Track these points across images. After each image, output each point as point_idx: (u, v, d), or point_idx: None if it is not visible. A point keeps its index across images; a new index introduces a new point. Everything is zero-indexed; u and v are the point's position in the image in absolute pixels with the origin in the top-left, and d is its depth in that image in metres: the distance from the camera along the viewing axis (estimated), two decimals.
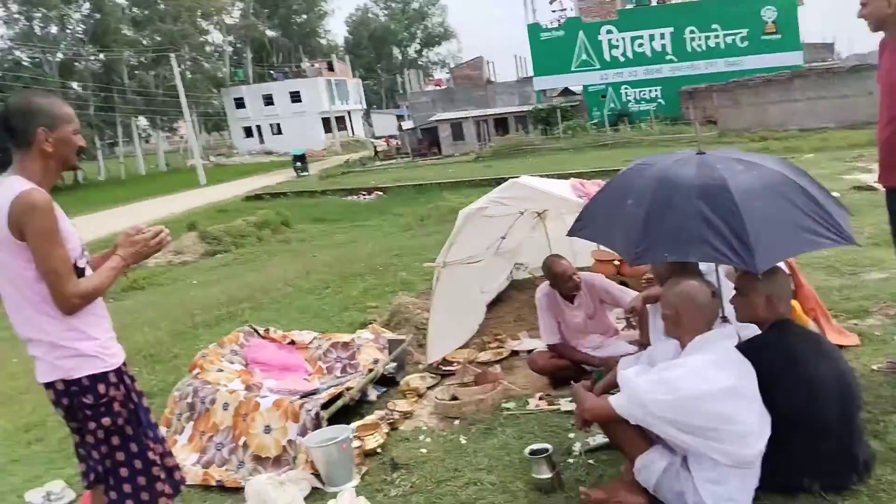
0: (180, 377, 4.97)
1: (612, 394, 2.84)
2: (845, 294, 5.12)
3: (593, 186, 4.83)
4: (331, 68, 61.88)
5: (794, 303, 3.82)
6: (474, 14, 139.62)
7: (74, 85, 50.69)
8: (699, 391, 2.50)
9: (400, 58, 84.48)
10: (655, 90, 38.28)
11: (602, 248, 5.97)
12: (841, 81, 27.07)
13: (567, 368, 4.40)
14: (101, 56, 51.00)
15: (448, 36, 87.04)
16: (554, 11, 41.72)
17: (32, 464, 4.54)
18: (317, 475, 3.65)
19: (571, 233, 3.20)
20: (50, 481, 3.95)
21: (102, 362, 2.53)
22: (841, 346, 3.69)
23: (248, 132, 60.10)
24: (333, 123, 58.33)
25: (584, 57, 38.48)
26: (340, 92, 61.45)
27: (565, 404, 3.97)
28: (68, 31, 51.25)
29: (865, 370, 3.76)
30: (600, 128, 35.02)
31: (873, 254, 6.00)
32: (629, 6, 39.32)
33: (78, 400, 2.50)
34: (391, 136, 55.03)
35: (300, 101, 57.55)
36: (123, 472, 2.60)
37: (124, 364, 2.66)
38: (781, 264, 2.93)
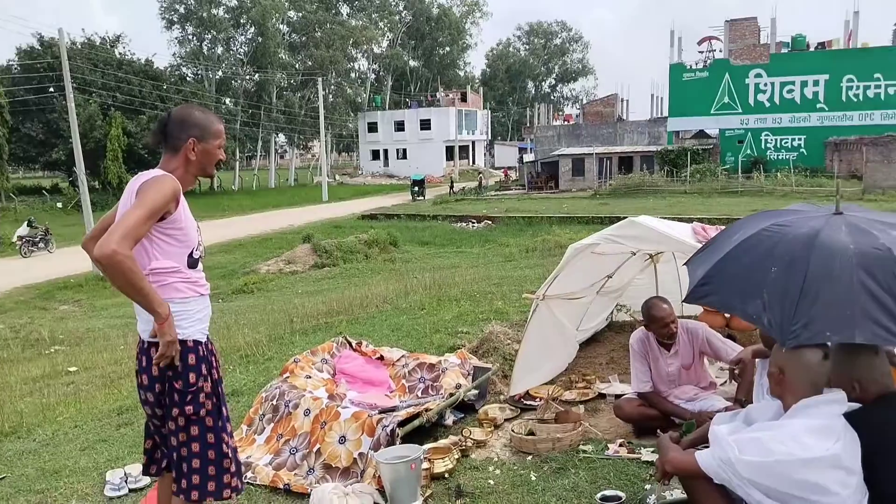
0: (270, 379, 5.13)
1: (700, 449, 2.66)
2: None
3: (716, 232, 4.57)
4: (464, 99, 63.41)
5: None
6: (616, 51, 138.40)
7: (227, 101, 55.13)
8: (793, 457, 2.29)
9: (533, 91, 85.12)
10: (799, 139, 36.39)
11: None
12: None
13: (655, 418, 4.15)
14: (256, 76, 55.14)
15: (586, 72, 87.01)
16: (701, 52, 40.96)
17: (118, 445, 4.80)
18: (381, 491, 3.63)
19: (692, 299, 2.81)
20: (130, 464, 4.16)
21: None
22: None
23: (374, 155, 62.56)
24: (456, 152, 59.54)
25: (726, 100, 37.38)
26: (469, 122, 62.71)
27: (647, 454, 3.74)
28: (231, 52, 55.89)
29: None
30: (732, 174, 33.55)
31: None
32: (784, 51, 37.66)
33: (170, 385, 2.65)
34: (510, 168, 55.35)
35: (429, 128, 59.28)
36: (195, 462, 2.69)
37: (215, 359, 2.80)
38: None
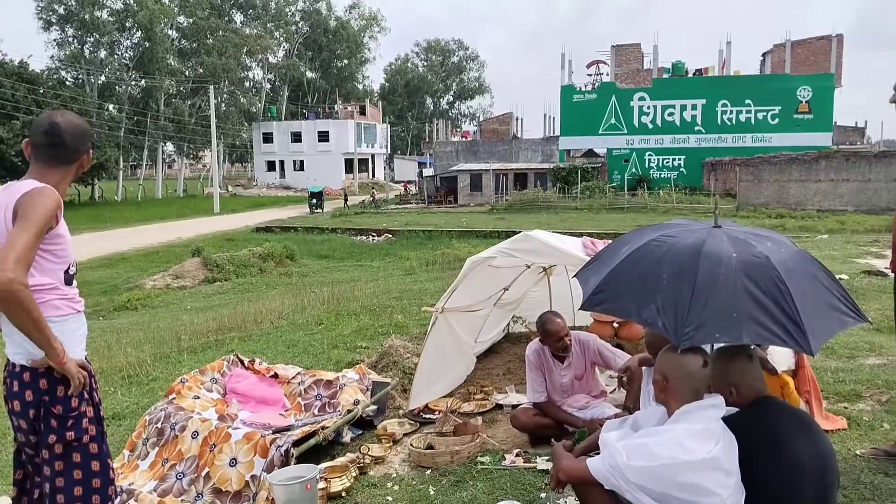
0: (155, 400, 4.85)
1: (592, 456, 2.73)
2: (840, 377, 5.00)
3: (604, 246, 4.75)
4: (363, 112, 63.12)
5: (789, 380, 3.68)
6: (511, 71, 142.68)
7: (111, 107, 52.18)
8: (676, 461, 2.38)
9: (431, 107, 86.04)
10: (679, 159, 38.69)
11: None
12: (867, 166, 27.08)
13: (549, 427, 4.25)
14: (143, 82, 52.49)
15: (482, 90, 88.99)
16: (590, 75, 42.86)
17: None
18: None
19: (588, 306, 2.88)
20: None
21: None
22: (827, 431, 3.55)
23: (270, 166, 61.04)
24: (356, 165, 59.14)
25: (612, 121, 39.13)
26: (368, 135, 62.47)
27: (542, 463, 3.81)
28: (116, 56, 52.98)
29: (849, 454, 3.65)
30: (618, 191, 35.21)
31: (873, 339, 5.86)
32: (665, 76, 40.00)
33: (46, 410, 2.45)
34: (409, 182, 55.68)
35: (327, 140, 58.55)
36: (78, 490, 2.49)
37: (94, 380, 2.62)
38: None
